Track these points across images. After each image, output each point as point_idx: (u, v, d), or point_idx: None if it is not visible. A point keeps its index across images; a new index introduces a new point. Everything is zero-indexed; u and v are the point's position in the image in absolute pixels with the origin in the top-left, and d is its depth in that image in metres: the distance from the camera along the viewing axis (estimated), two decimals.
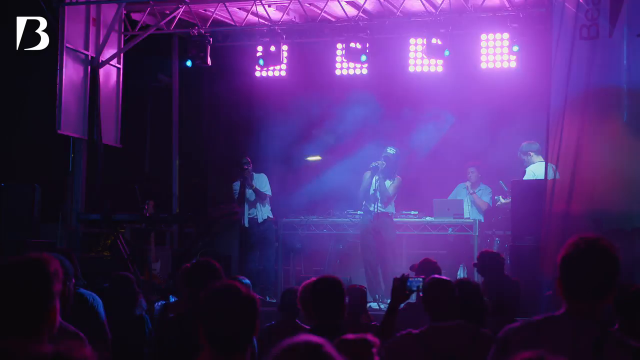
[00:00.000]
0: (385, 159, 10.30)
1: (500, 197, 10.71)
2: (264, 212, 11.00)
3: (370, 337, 3.18)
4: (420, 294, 4.47)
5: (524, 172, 9.81)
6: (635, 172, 8.84)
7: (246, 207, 10.85)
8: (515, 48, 10.93)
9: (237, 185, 10.93)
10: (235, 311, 2.84)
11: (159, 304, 7.16)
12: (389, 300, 7.80)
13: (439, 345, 4.09)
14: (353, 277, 10.47)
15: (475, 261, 6.69)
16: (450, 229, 10.78)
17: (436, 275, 4.71)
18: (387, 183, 10.43)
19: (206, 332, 2.84)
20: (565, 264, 2.95)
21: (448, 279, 4.58)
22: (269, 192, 11.01)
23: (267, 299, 10.46)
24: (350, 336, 3.26)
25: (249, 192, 10.88)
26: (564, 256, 2.96)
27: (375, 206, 10.27)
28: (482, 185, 11.23)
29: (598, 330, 2.87)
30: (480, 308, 4.67)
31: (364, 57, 11.67)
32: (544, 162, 9.64)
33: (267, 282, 10.84)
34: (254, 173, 11.01)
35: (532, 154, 10.01)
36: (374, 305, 9.86)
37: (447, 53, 11.08)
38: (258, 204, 10.97)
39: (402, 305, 4.70)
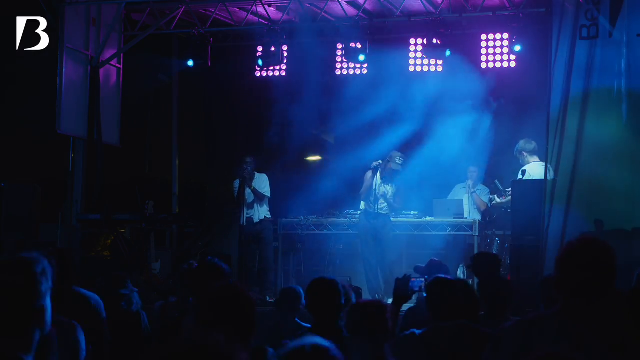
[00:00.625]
0: (394, 171, 10.29)
1: (495, 196, 10.71)
2: (261, 212, 10.93)
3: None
4: (424, 294, 4.47)
5: (523, 172, 9.80)
6: (635, 172, 8.85)
7: (245, 206, 10.81)
8: (518, 48, 10.89)
9: (237, 184, 10.91)
10: (234, 311, 2.83)
11: (158, 304, 7.16)
12: (389, 300, 7.78)
13: (441, 346, 4.09)
14: (353, 277, 10.46)
15: (470, 263, 6.70)
16: (449, 229, 10.79)
17: (440, 276, 4.72)
18: (389, 188, 10.37)
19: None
20: (563, 264, 3.01)
21: (452, 279, 4.58)
22: (267, 194, 10.93)
23: (267, 299, 10.46)
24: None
25: (248, 192, 10.84)
26: (561, 256, 3.04)
27: (375, 206, 10.27)
28: (480, 186, 11.25)
29: (585, 328, 2.92)
30: (475, 308, 4.66)
31: (362, 57, 11.68)
32: (539, 162, 9.65)
33: (266, 282, 10.83)
34: (256, 173, 10.96)
35: (525, 154, 9.97)
36: None
37: (448, 53, 11.08)
38: (256, 204, 10.90)
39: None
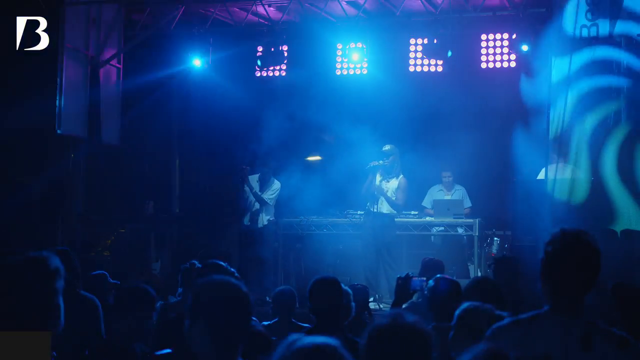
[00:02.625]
0: (383, 155, 10.32)
1: None
2: (264, 217, 10.88)
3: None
4: (425, 292, 4.46)
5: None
6: (635, 170, 8.86)
7: (250, 206, 10.81)
8: (525, 47, 10.81)
9: (252, 179, 10.95)
10: (232, 305, 2.78)
11: (158, 304, 7.15)
12: (389, 300, 7.75)
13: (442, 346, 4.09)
14: (353, 277, 10.46)
15: (491, 267, 6.67)
16: (449, 229, 10.80)
17: (444, 275, 4.71)
18: (393, 183, 10.37)
19: (205, 327, 2.77)
20: (549, 260, 2.97)
21: (452, 278, 4.57)
22: (269, 201, 10.84)
23: (267, 299, 10.46)
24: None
25: (251, 194, 10.86)
26: (546, 252, 2.98)
27: (376, 206, 10.27)
28: (457, 186, 11.33)
29: (585, 325, 2.90)
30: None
31: (363, 57, 11.68)
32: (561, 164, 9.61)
33: (265, 283, 10.80)
34: (273, 178, 10.93)
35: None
36: (373, 305, 9.86)
37: (449, 54, 11.07)
38: (261, 207, 10.88)
39: (405, 305, 4.70)
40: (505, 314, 3.36)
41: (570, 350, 2.86)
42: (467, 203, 11.20)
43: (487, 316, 3.33)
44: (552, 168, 9.56)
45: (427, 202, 11.38)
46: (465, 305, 3.43)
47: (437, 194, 11.40)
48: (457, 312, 3.40)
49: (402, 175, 10.44)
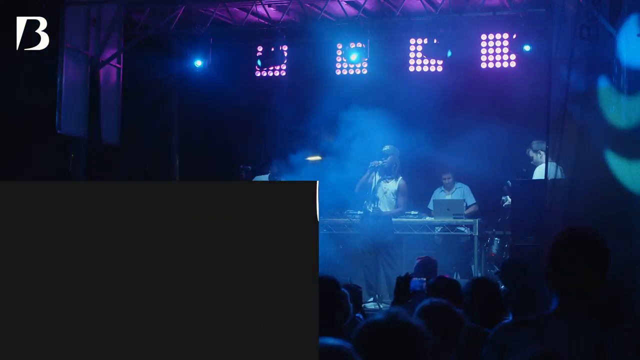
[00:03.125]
0: (382, 159, 10.35)
1: (508, 197, 10.71)
2: None
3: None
4: (426, 292, 4.45)
5: (532, 172, 9.81)
6: (634, 170, 8.86)
7: None
8: (528, 48, 10.78)
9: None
10: None
11: None
12: (387, 301, 7.75)
13: None
14: (353, 277, 10.47)
15: (499, 270, 6.66)
16: (449, 229, 10.80)
17: (444, 275, 4.70)
18: (392, 185, 10.38)
19: None
20: (556, 258, 2.90)
21: (452, 278, 4.56)
22: None
23: None
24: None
25: None
26: (553, 249, 2.91)
27: (374, 206, 10.28)
28: (458, 184, 11.32)
29: (598, 329, 2.82)
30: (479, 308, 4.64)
31: (363, 57, 11.68)
32: (552, 162, 9.64)
33: None
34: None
35: (542, 152, 9.98)
36: (373, 305, 9.87)
37: (449, 54, 11.07)
38: None
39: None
40: (461, 312, 3.33)
41: (582, 355, 2.77)
42: (471, 200, 11.17)
43: (444, 313, 3.30)
44: (551, 165, 9.60)
45: (431, 205, 11.39)
46: (423, 302, 3.38)
47: (439, 195, 11.40)
48: (416, 309, 3.35)
49: (401, 177, 10.45)
